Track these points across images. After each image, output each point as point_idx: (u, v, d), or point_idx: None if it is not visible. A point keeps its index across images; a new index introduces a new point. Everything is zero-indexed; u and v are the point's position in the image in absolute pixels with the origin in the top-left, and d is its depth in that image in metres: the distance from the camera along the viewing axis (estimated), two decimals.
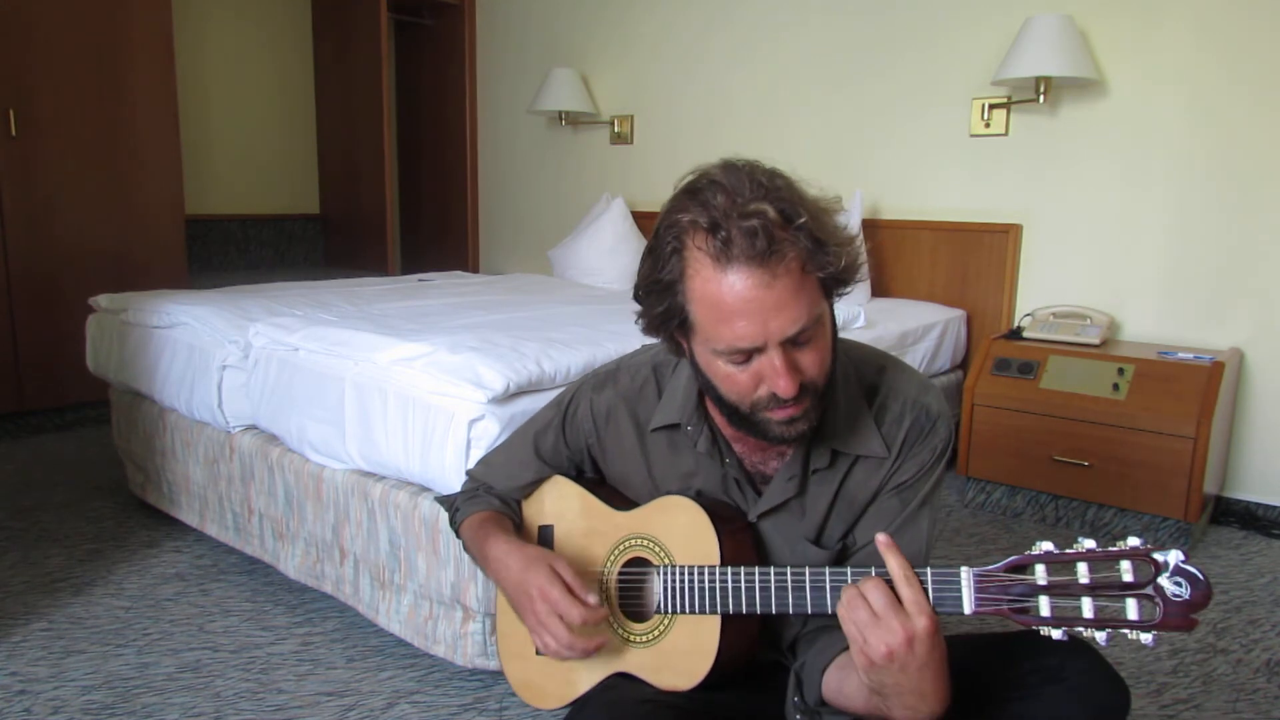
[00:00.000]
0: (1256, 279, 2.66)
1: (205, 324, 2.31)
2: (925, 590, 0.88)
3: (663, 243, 0.94)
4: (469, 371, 1.73)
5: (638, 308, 1.01)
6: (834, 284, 0.95)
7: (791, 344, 0.92)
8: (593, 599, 1.06)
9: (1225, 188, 2.67)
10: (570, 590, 1.06)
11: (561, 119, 4.18)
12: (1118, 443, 2.49)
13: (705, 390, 1.03)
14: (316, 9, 4.84)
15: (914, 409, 1.08)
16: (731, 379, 0.96)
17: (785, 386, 0.92)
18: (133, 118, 3.54)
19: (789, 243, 0.89)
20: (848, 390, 1.07)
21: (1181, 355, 2.56)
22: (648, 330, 1.01)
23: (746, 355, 0.93)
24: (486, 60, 4.61)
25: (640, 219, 3.76)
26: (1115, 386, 2.53)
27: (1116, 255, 2.88)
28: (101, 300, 2.66)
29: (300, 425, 2.01)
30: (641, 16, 3.95)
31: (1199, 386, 2.43)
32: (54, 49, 3.30)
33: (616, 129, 4.09)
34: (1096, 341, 2.72)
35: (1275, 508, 2.69)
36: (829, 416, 1.04)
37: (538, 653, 1.18)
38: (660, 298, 0.96)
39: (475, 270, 4.73)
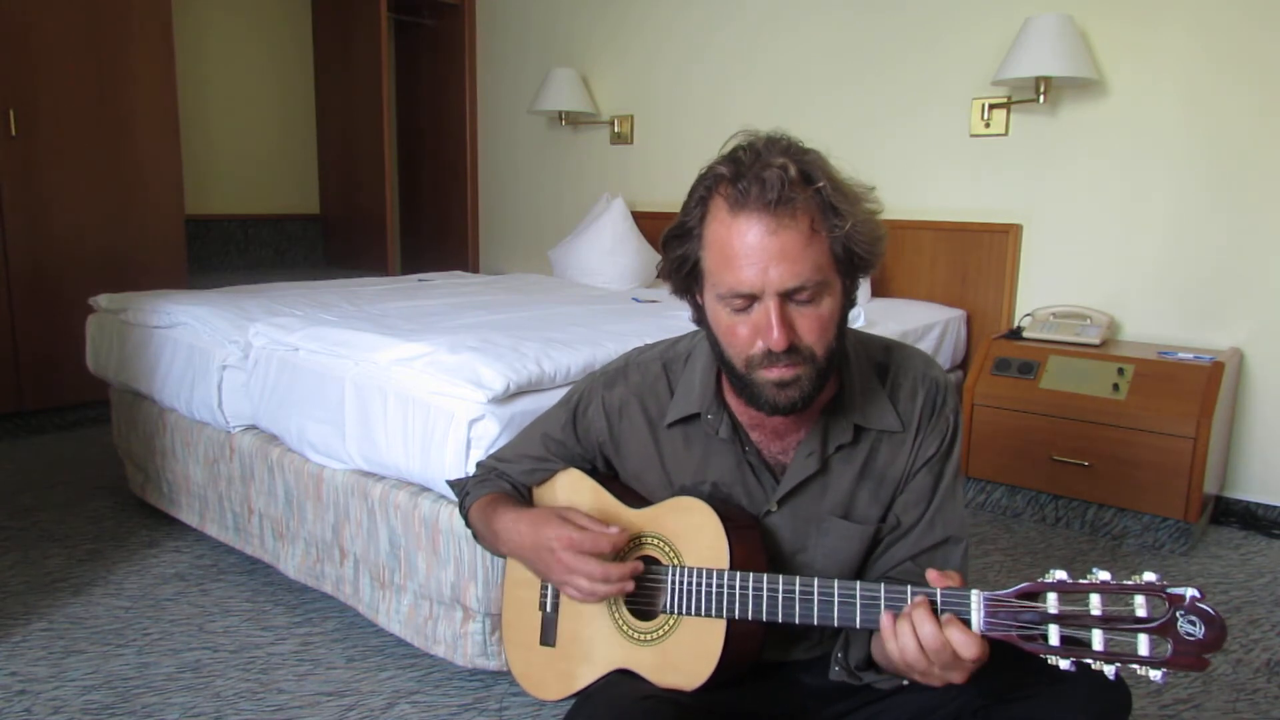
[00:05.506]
0: (1256, 279, 2.66)
1: (205, 324, 2.31)
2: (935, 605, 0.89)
3: (693, 193, 1.00)
4: (469, 371, 1.73)
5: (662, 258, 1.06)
6: (849, 257, 0.97)
7: (790, 300, 0.95)
8: (613, 528, 1.08)
9: (1225, 187, 2.67)
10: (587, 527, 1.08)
11: (561, 119, 4.18)
12: (1118, 443, 2.49)
13: (713, 350, 1.05)
14: (316, 9, 4.83)
15: (925, 382, 1.11)
16: (732, 331, 0.98)
17: (775, 339, 0.94)
18: (133, 118, 3.54)
19: (801, 198, 0.93)
20: (861, 368, 1.09)
21: (1181, 355, 2.56)
22: (665, 276, 1.06)
23: (747, 302, 0.96)
24: (486, 60, 4.61)
25: (640, 219, 3.76)
26: (1115, 386, 2.53)
27: (1116, 255, 2.88)
28: (101, 300, 2.66)
29: (300, 425, 2.01)
30: (641, 16, 3.95)
31: (1199, 386, 2.43)
32: (54, 49, 3.30)
33: (616, 129, 4.09)
34: (1096, 341, 2.72)
35: (1275, 508, 2.69)
36: (847, 392, 1.07)
37: (541, 644, 1.18)
38: (680, 242, 1.01)
39: (475, 270, 4.73)
